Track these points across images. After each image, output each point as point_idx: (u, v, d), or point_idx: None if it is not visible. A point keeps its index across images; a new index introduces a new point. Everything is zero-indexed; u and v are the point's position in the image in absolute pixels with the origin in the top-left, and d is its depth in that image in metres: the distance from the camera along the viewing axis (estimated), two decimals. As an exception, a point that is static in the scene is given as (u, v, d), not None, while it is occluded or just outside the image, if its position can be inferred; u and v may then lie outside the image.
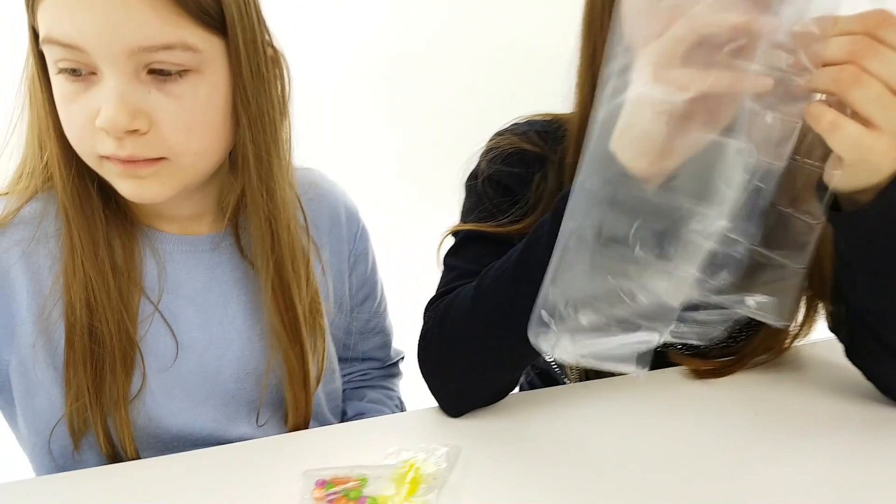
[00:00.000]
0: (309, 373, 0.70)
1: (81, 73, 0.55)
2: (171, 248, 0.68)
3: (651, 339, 0.43)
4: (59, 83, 0.57)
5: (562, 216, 0.47)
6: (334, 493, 0.53)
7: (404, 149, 1.91)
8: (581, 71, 0.69)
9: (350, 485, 0.54)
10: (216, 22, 0.57)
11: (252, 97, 0.61)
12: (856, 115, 0.44)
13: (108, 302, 0.62)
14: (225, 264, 0.70)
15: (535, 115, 0.79)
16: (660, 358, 0.71)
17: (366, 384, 0.87)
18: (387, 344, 0.88)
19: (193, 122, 0.58)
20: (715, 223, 0.42)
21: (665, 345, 0.70)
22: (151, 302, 0.65)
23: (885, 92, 0.43)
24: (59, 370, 0.62)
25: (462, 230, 0.73)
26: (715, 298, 0.44)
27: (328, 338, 0.76)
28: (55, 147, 0.60)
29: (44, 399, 0.63)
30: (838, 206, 0.53)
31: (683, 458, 0.56)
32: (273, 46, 0.65)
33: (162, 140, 0.57)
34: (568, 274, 0.45)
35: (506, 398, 0.67)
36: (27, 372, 0.63)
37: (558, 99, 0.73)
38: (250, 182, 0.64)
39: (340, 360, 0.82)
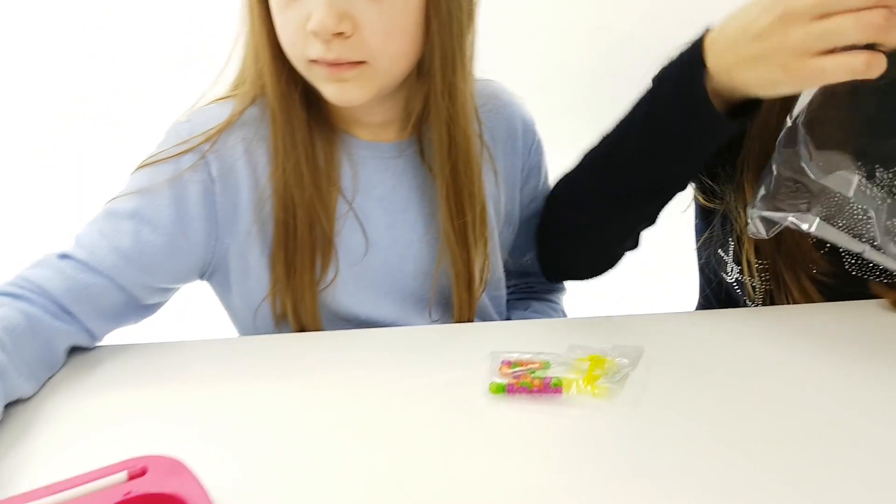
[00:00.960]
0: (473, 277, 0.74)
1: None
2: (364, 154, 0.73)
3: None
4: None
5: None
6: (520, 371, 0.56)
7: (588, 76, 1.87)
8: None
9: (534, 366, 0.57)
10: None
11: (444, 3, 0.63)
12: None
13: (310, 200, 0.68)
14: (408, 171, 0.74)
15: None
16: (859, 288, 0.68)
17: (530, 296, 0.90)
18: (552, 259, 0.90)
19: (391, 27, 0.62)
20: None
21: (866, 275, 0.66)
22: (347, 201, 0.71)
23: None
24: (267, 257, 0.70)
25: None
26: None
27: (495, 246, 0.78)
28: (267, 55, 0.65)
29: (254, 281, 0.71)
30: None
31: (876, 393, 0.54)
32: None
33: (364, 43, 0.61)
34: None
35: (689, 314, 0.68)
36: (243, 255, 0.70)
37: None
38: (434, 88, 0.67)
39: (507, 270, 0.85)
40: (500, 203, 0.80)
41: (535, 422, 0.51)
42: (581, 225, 0.75)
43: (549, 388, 0.54)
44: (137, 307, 0.68)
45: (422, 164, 0.74)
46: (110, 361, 0.62)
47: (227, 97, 0.72)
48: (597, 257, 0.77)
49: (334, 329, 0.72)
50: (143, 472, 0.40)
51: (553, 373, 0.56)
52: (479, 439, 0.49)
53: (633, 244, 0.76)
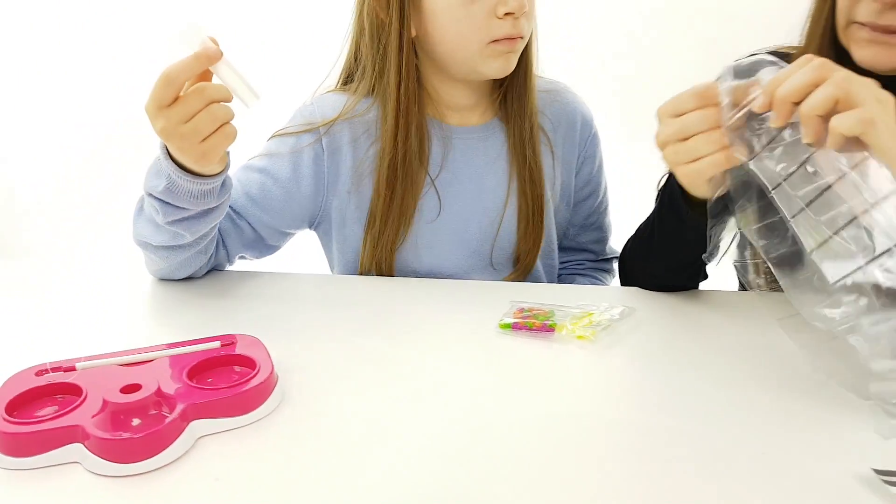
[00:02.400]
0: (531, 241, 0.90)
1: None
2: (451, 135, 0.90)
3: None
4: None
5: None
6: (528, 315, 0.71)
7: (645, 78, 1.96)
8: (818, 2, 0.74)
9: (541, 312, 0.72)
10: None
11: None
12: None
13: (404, 177, 0.86)
14: (489, 148, 0.91)
15: (781, 47, 0.84)
16: None
17: (578, 272, 1.04)
18: (602, 240, 1.03)
19: (531, 8, 0.83)
20: None
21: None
22: (431, 179, 0.88)
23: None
24: (360, 212, 0.89)
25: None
26: None
27: (550, 219, 0.94)
28: (406, 57, 0.82)
29: (350, 231, 0.91)
30: None
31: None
32: None
33: (524, 24, 0.81)
34: None
35: (700, 292, 0.81)
36: (342, 210, 0.90)
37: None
38: (518, 76, 0.87)
39: (560, 248, 1.00)
40: (556, 182, 0.94)
41: (528, 352, 0.66)
42: (646, 274, 0.84)
43: (545, 328, 0.68)
44: (263, 244, 0.90)
45: (502, 143, 0.91)
46: (242, 279, 0.85)
47: (343, 90, 0.91)
48: (670, 285, 0.84)
49: (407, 276, 0.90)
50: (232, 343, 0.60)
51: (555, 319, 0.71)
52: (484, 361, 0.64)
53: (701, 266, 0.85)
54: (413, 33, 0.83)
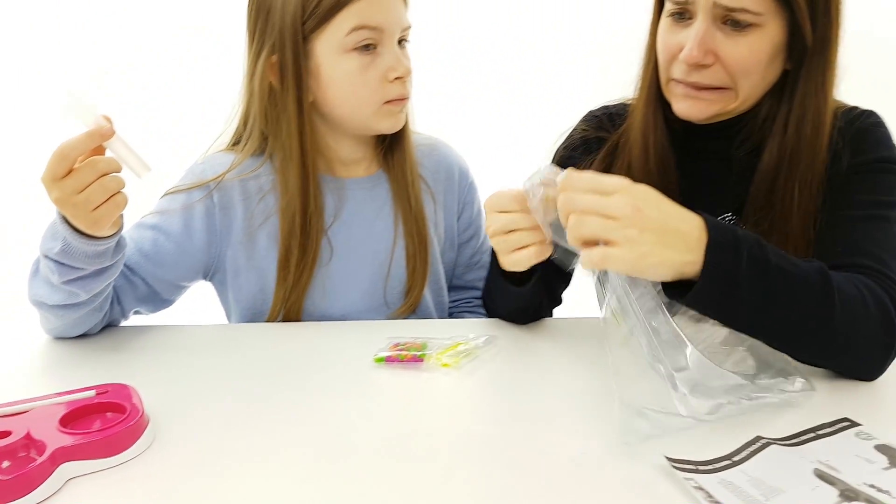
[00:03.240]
0: (416, 280, 0.98)
1: (370, 48, 0.87)
2: (343, 187, 0.97)
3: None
4: (351, 59, 0.86)
5: None
6: (401, 348, 0.78)
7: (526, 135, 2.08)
8: (645, 63, 0.85)
9: (414, 345, 0.78)
10: None
11: None
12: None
13: (303, 229, 0.92)
14: (376, 197, 0.98)
15: (616, 101, 0.95)
16: None
17: (467, 310, 1.11)
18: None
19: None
20: None
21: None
22: (325, 228, 0.95)
23: (601, 219, 0.59)
24: (254, 262, 0.94)
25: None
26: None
27: (436, 258, 1.03)
28: (307, 118, 0.89)
29: (244, 280, 0.96)
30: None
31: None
32: None
33: (409, 86, 0.91)
34: None
35: (544, 320, 0.89)
36: (236, 259, 0.95)
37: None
38: (398, 132, 0.96)
39: (450, 287, 1.07)
40: (439, 226, 1.03)
41: (398, 381, 0.72)
42: (498, 312, 0.93)
43: (415, 359, 0.75)
44: (158, 299, 0.93)
45: (388, 192, 0.99)
46: (134, 334, 0.88)
47: (231, 150, 0.98)
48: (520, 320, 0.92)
49: (309, 320, 0.96)
50: (106, 391, 0.64)
51: (426, 351, 0.77)
52: (356, 392, 0.70)
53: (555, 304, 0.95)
54: (311, 98, 0.90)
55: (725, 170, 0.84)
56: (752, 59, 0.75)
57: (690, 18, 0.76)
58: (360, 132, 0.94)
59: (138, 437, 0.57)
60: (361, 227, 0.97)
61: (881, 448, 0.56)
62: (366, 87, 0.88)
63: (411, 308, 0.99)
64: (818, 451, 0.56)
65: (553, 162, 0.95)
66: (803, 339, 0.65)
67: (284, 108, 0.90)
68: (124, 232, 0.80)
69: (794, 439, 0.58)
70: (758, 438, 0.57)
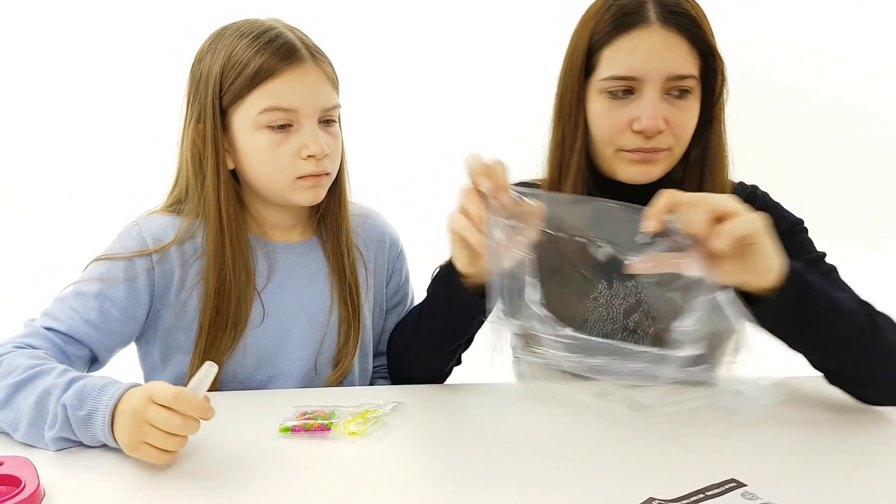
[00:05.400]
0: (347, 346, 0.98)
1: (285, 127, 0.88)
2: (274, 251, 0.97)
3: None
4: (264, 136, 0.88)
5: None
6: (308, 417, 0.77)
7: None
8: (551, 147, 0.91)
9: (322, 414, 0.77)
10: None
11: None
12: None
13: (232, 292, 0.91)
14: (309, 262, 0.99)
15: (535, 180, 0.99)
16: None
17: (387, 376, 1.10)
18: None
19: (334, 150, 0.93)
20: None
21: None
22: (258, 291, 0.95)
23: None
24: (185, 322, 0.93)
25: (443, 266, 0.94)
26: None
27: (367, 325, 1.03)
28: (224, 185, 0.90)
29: (174, 339, 0.94)
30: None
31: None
32: None
33: (327, 163, 0.91)
34: None
35: (449, 384, 0.91)
36: (169, 319, 0.93)
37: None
38: (332, 202, 0.98)
39: (375, 353, 1.08)
40: (369, 293, 1.04)
41: (304, 451, 0.71)
42: (409, 355, 0.97)
43: (322, 428, 0.74)
44: (97, 366, 0.91)
45: (322, 258, 0.99)
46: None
47: (169, 211, 0.96)
48: (428, 364, 0.95)
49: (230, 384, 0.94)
50: (1, 464, 0.61)
51: (335, 419, 0.76)
52: (257, 464, 0.69)
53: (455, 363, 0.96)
54: (231, 166, 0.92)
55: None
56: (692, 120, 0.86)
57: (633, 93, 0.84)
58: (282, 202, 0.95)
59: (27, 513, 0.54)
60: (294, 291, 0.97)
61: (764, 507, 0.60)
62: (277, 163, 0.89)
63: (341, 376, 0.99)
64: (706, 511, 0.59)
65: None
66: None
67: (205, 174, 0.91)
68: (56, 305, 0.84)
69: (684, 500, 0.61)
70: (650, 500, 0.60)
